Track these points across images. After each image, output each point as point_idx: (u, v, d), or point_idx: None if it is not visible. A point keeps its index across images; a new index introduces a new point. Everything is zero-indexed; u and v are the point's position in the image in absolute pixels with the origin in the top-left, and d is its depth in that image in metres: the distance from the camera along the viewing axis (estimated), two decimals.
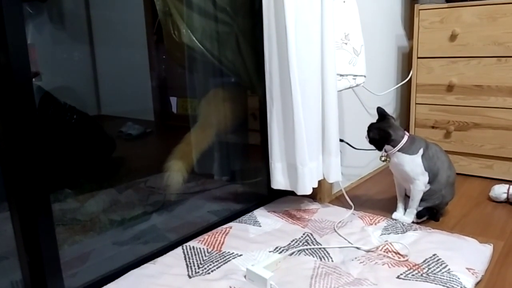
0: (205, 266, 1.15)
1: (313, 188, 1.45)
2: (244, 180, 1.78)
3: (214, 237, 1.30)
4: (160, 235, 1.36)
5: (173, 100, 1.82)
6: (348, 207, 1.57)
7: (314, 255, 1.21)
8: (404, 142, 1.39)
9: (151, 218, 1.43)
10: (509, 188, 1.63)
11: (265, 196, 1.65)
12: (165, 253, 1.22)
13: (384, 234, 1.35)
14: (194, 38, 1.46)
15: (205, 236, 1.32)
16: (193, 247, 1.25)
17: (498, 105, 1.84)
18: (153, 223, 1.41)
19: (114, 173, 1.59)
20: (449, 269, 1.12)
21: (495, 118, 1.86)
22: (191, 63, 1.59)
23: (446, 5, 1.90)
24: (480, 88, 1.88)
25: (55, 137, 1.39)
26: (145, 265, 1.16)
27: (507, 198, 1.63)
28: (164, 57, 1.70)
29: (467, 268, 1.12)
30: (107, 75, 1.57)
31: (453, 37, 1.90)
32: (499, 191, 1.65)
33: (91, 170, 1.52)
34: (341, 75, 1.51)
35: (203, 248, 1.24)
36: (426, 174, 1.40)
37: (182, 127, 1.76)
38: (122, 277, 1.10)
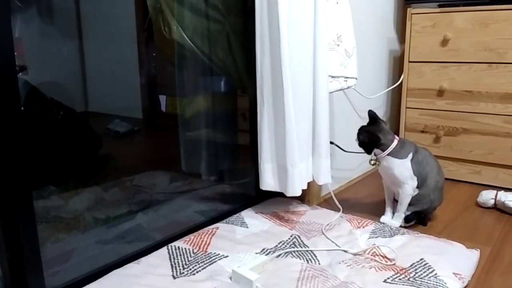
0: (190, 267, 1.13)
1: (302, 190, 1.44)
2: (232, 181, 1.76)
3: (200, 238, 1.29)
4: (145, 234, 1.34)
5: (162, 98, 1.80)
6: (336, 209, 1.56)
7: (301, 258, 1.20)
8: (394, 146, 1.38)
9: (136, 217, 1.41)
10: (496, 194, 1.63)
11: (253, 197, 1.63)
12: (150, 253, 1.20)
13: (372, 237, 1.34)
14: (185, 36, 1.44)
15: (191, 236, 1.30)
16: (179, 247, 1.23)
17: (488, 111, 1.85)
18: (138, 222, 1.39)
19: (100, 171, 1.57)
20: (436, 273, 1.11)
21: (484, 124, 1.87)
22: (181, 60, 1.57)
23: (438, 10, 1.91)
24: (470, 94, 1.88)
25: (41, 133, 1.37)
26: (129, 264, 1.13)
27: (495, 204, 1.63)
28: (154, 54, 1.68)
29: (454, 273, 1.12)
30: (96, 71, 1.55)
31: (444, 42, 1.91)
32: (487, 196, 1.65)
33: (77, 167, 1.49)
34: (332, 77, 1.50)
35: (189, 249, 1.22)
36: (415, 178, 1.39)
37: (171, 126, 1.74)
38: (105, 276, 1.08)
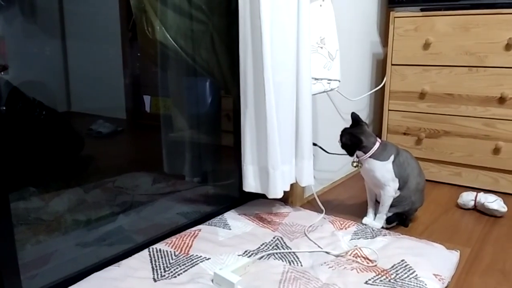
0: (172, 270, 1.12)
1: (285, 192, 1.44)
2: (215, 182, 1.75)
3: (182, 240, 1.28)
4: (127, 236, 1.32)
5: (147, 98, 1.79)
6: (319, 211, 1.56)
7: (283, 259, 1.20)
8: (376, 149, 1.39)
9: (117, 219, 1.39)
10: (476, 195, 1.66)
11: (237, 198, 1.63)
12: (131, 255, 1.19)
13: (354, 239, 1.35)
14: (168, 36, 1.43)
15: (173, 238, 1.29)
16: (160, 249, 1.22)
17: (468, 114, 1.88)
18: (120, 224, 1.37)
19: (82, 172, 1.55)
20: (416, 275, 1.13)
21: (464, 126, 1.90)
22: (165, 61, 1.56)
23: (420, 13, 1.93)
24: (451, 97, 1.91)
25: (22, 134, 1.34)
26: (109, 267, 1.12)
27: (475, 205, 1.66)
28: (138, 54, 1.67)
29: (434, 274, 1.13)
30: (79, 71, 1.53)
31: (426, 46, 1.93)
32: (467, 198, 1.67)
33: (58, 168, 1.47)
34: (315, 79, 1.50)
35: (170, 251, 1.21)
36: (397, 180, 1.41)
37: (155, 127, 1.73)
38: (84, 279, 1.06)
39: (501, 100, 1.79)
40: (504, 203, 1.60)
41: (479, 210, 1.65)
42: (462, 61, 1.86)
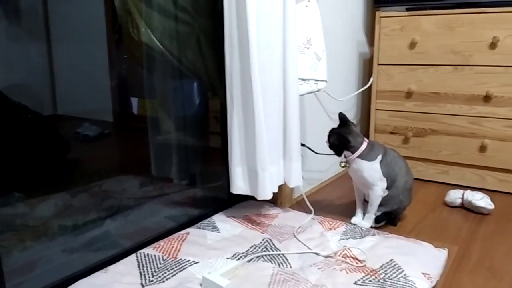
0: (160, 274, 1.11)
1: (274, 193, 1.43)
2: (203, 184, 1.74)
3: (170, 244, 1.26)
4: (114, 241, 1.31)
5: (134, 100, 1.77)
6: (308, 211, 1.56)
7: (272, 262, 1.20)
8: (363, 149, 1.39)
9: (104, 224, 1.38)
10: (463, 193, 1.67)
11: (225, 200, 1.62)
12: (118, 260, 1.17)
13: (343, 239, 1.35)
14: (153, 38, 1.42)
15: (161, 242, 1.27)
16: (148, 254, 1.21)
17: (454, 112, 1.89)
18: (107, 229, 1.36)
19: (68, 176, 1.53)
20: (405, 274, 1.13)
21: (451, 125, 1.91)
22: (151, 63, 1.54)
23: (406, 13, 1.94)
24: (438, 96, 1.92)
25: (6, 138, 1.32)
26: (96, 273, 1.10)
27: (462, 203, 1.67)
28: (125, 56, 1.65)
29: (422, 273, 1.14)
30: (65, 74, 1.51)
31: (412, 45, 1.94)
32: (454, 196, 1.69)
33: (44, 172, 1.45)
34: (302, 80, 1.50)
35: (158, 255, 1.20)
36: (385, 180, 1.41)
37: (143, 129, 1.71)
38: (71, 286, 1.04)
39: (486, 98, 1.81)
40: (491, 200, 1.62)
41: (466, 207, 1.66)
42: (447, 60, 1.87)
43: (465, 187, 1.87)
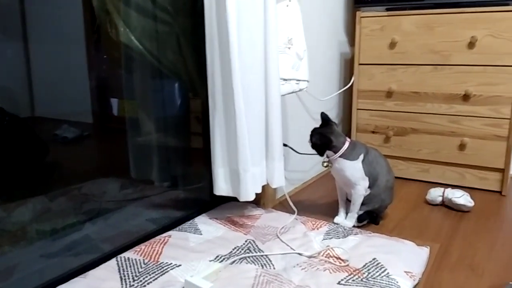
0: (141, 279, 1.09)
1: (257, 194, 1.42)
2: (185, 186, 1.72)
3: (152, 247, 1.24)
4: (93, 246, 1.28)
5: (114, 101, 1.74)
6: (291, 212, 1.56)
7: (255, 263, 1.19)
8: (346, 148, 1.40)
9: (84, 228, 1.35)
10: (444, 191, 1.69)
11: (208, 202, 1.61)
12: (98, 265, 1.15)
13: (326, 239, 1.35)
14: (132, 38, 1.39)
15: (142, 246, 1.25)
16: (128, 258, 1.18)
17: (434, 111, 1.92)
18: (86, 233, 1.32)
19: (46, 180, 1.49)
20: (388, 273, 1.13)
21: (431, 123, 1.93)
22: (130, 63, 1.52)
23: (386, 13, 1.95)
24: (418, 95, 1.94)
25: None
26: (75, 279, 1.08)
27: (442, 201, 1.69)
28: (104, 56, 1.62)
29: (405, 272, 1.14)
30: (42, 75, 1.47)
31: (392, 45, 1.96)
32: (435, 194, 1.70)
33: (22, 176, 1.41)
34: (284, 80, 1.50)
35: (139, 259, 1.18)
36: (367, 179, 1.42)
37: (123, 130, 1.68)
38: None
39: (465, 97, 1.84)
40: (471, 198, 1.64)
41: (447, 205, 1.68)
42: (427, 59, 1.89)
43: (445, 185, 1.89)
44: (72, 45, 1.57)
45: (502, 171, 1.83)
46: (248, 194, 1.37)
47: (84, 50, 1.60)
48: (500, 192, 1.85)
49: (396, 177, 1.68)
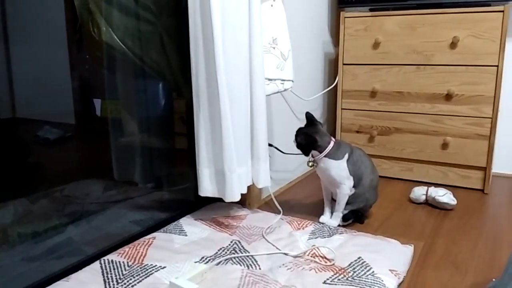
0: (125, 281, 1.07)
1: (242, 194, 1.42)
2: (170, 187, 1.71)
3: (136, 249, 1.23)
4: (76, 248, 1.26)
5: (97, 102, 1.71)
6: (277, 212, 1.56)
7: (241, 264, 1.18)
8: (330, 148, 1.40)
9: (66, 230, 1.32)
10: (427, 190, 1.71)
11: (193, 203, 1.59)
12: (81, 268, 1.13)
13: (312, 238, 1.35)
14: (115, 37, 1.38)
15: (126, 248, 1.24)
16: (112, 260, 1.17)
17: (417, 111, 1.94)
18: (69, 235, 1.30)
19: (28, 181, 1.46)
20: (373, 271, 1.14)
21: (414, 123, 1.95)
22: (113, 63, 1.50)
23: (369, 14, 1.97)
24: (401, 95, 1.96)
25: None
26: (58, 282, 1.06)
27: (426, 199, 1.71)
28: (87, 56, 1.60)
29: (390, 270, 1.15)
30: (23, 75, 1.45)
31: (376, 45, 1.97)
32: (419, 193, 1.72)
33: (2, 178, 1.38)
34: (269, 80, 1.50)
35: (123, 262, 1.16)
36: (351, 178, 1.42)
37: (106, 131, 1.66)
38: None
39: (448, 97, 1.86)
40: (454, 196, 1.66)
41: (431, 204, 1.70)
42: (410, 59, 1.91)
43: (429, 184, 1.91)
44: (54, 45, 1.54)
45: (484, 169, 1.86)
46: (233, 194, 1.36)
47: (66, 50, 1.57)
48: (482, 190, 1.87)
49: (381, 176, 1.69)
